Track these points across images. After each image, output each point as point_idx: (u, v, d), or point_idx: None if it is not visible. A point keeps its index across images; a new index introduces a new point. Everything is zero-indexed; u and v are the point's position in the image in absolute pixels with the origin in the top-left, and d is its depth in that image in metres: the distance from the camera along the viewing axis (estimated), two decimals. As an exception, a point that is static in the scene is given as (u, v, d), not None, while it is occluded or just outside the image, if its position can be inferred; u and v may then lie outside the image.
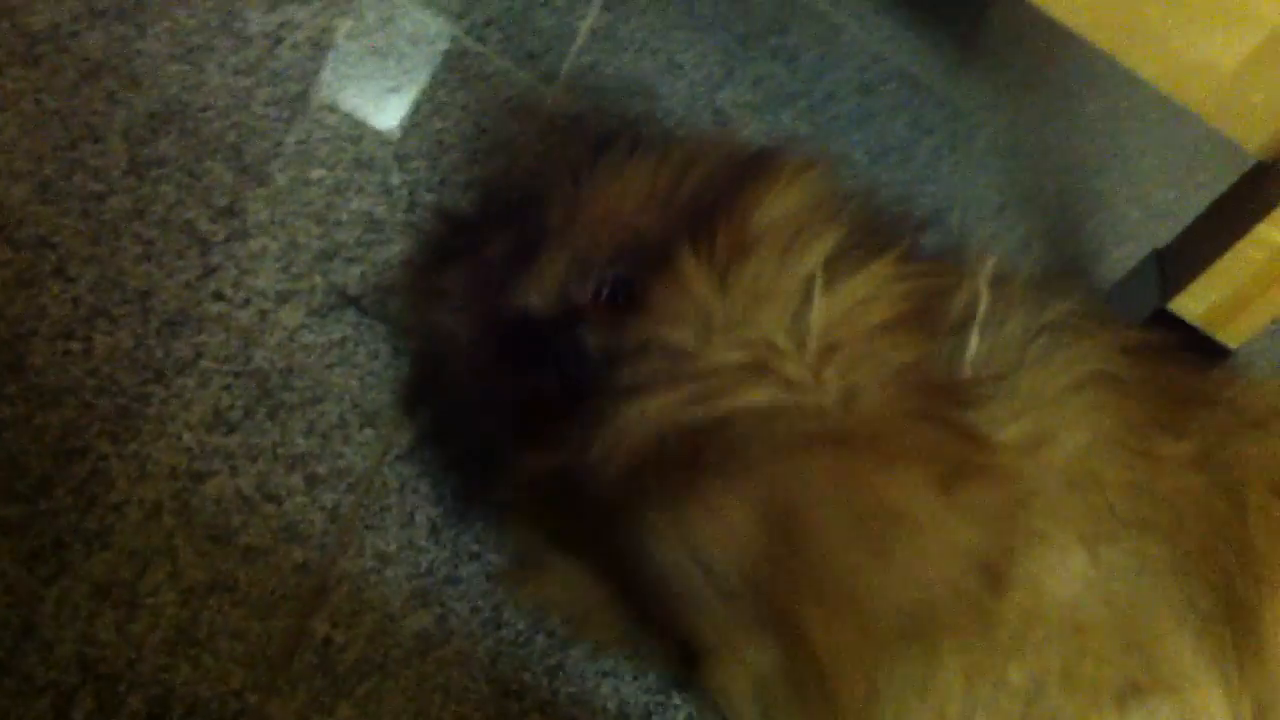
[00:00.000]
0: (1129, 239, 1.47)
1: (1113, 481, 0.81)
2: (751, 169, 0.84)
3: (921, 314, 0.82)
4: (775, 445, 0.76)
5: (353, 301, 0.89)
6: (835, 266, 0.80)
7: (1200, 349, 1.19)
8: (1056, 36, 1.63)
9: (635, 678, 0.85)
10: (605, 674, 0.84)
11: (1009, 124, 1.53)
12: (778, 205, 0.81)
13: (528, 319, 0.82)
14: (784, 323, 0.78)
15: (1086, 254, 1.45)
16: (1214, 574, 0.81)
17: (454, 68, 1.09)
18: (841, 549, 0.74)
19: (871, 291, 0.79)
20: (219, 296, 0.85)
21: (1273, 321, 1.19)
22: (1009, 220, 1.42)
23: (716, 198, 0.83)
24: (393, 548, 0.82)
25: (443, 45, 1.10)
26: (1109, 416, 0.83)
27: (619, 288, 0.81)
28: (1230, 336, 1.19)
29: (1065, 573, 0.80)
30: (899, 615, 0.75)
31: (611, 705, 0.83)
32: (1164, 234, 1.23)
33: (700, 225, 0.81)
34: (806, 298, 0.79)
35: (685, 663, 0.82)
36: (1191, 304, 1.18)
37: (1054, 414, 0.82)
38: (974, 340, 0.82)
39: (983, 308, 0.83)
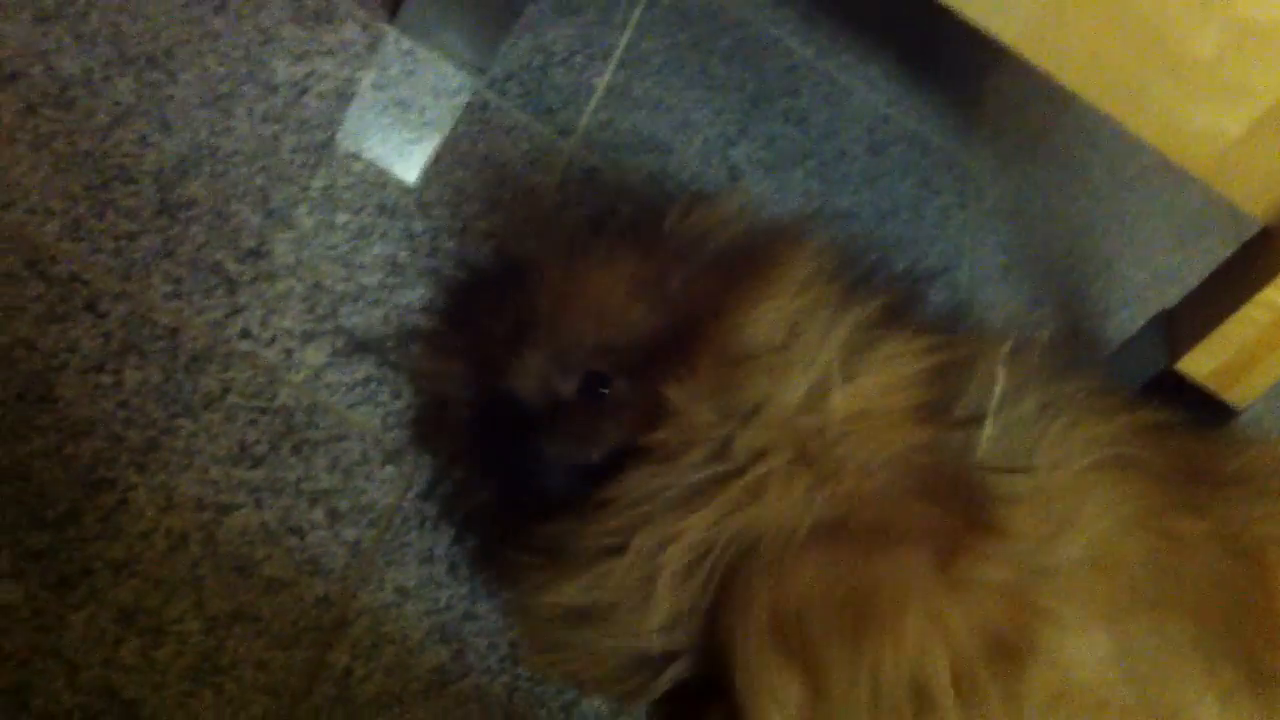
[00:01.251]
0: (1134, 301, 1.49)
1: (1134, 562, 0.83)
2: (741, 266, 0.84)
3: (938, 395, 0.83)
4: (789, 540, 0.77)
5: (370, 349, 0.90)
6: (848, 352, 0.80)
7: (1207, 409, 1.21)
8: (1061, 104, 1.66)
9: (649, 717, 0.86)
10: (618, 714, 0.85)
11: (1015, 187, 1.55)
12: (770, 312, 0.81)
13: (512, 404, 0.83)
14: (797, 418, 0.79)
15: (1092, 315, 1.47)
16: (1236, 645, 0.82)
17: (474, 120, 1.11)
18: (836, 635, 0.75)
19: (888, 378, 0.80)
20: (246, 334, 0.87)
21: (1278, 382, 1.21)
22: (1015, 281, 1.44)
23: (702, 293, 0.84)
24: (412, 583, 0.83)
25: (464, 98, 1.12)
26: (1129, 499, 0.85)
27: (598, 384, 0.82)
28: (1237, 397, 1.21)
29: (1088, 651, 0.81)
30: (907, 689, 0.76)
31: (625, 745, 0.84)
32: (1169, 297, 1.25)
33: (688, 330, 0.82)
34: (823, 391, 0.79)
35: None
36: (1199, 365, 1.19)
37: (1074, 498, 0.83)
38: (989, 424, 0.83)
39: (999, 390, 0.84)
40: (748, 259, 0.85)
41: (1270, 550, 0.84)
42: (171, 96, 0.96)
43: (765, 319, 0.80)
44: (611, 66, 1.27)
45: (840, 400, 0.78)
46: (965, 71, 1.64)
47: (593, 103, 1.22)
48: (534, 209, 1.10)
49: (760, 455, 0.77)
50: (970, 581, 0.76)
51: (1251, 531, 0.85)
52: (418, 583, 0.83)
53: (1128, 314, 1.46)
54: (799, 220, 1.17)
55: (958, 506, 0.78)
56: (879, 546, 0.76)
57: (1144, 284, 1.52)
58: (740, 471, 0.77)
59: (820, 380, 0.78)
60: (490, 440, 0.84)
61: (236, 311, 0.88)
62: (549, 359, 0.83)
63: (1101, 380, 0.98)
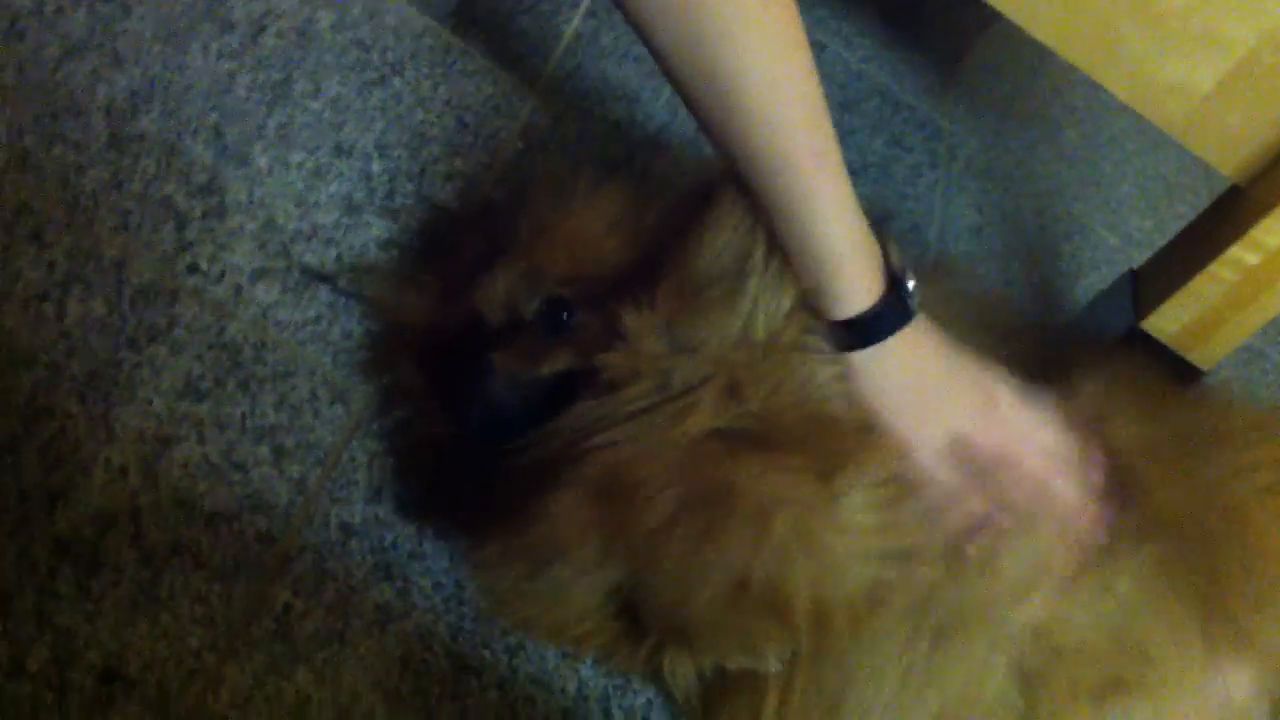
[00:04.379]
0: (1105, 263, 1.48)
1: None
2: (698, 206, 0.85)
3: None
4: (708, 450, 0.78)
5: (327, 279, 0.90)
6: (776, 285, 0.81)
7: (1173, 372, 1.20)
8: (1035, 65, 1.65)
9: (596, 661, 0.85)
10: (566, 655, 0.85)
11: (988, 147, 1.55)
12: (714, 247, 0.82)
13: (472, 327, 0.84)
14: (730, 345, 0.80)
15: (1063, 275, 1.47)
16: (1215, 604, 0.82)
17: (438, 63, 1.10)
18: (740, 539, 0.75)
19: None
20: (194, 270, 0.86)
21: (1244, 343, 1.21)
22: (986, 240, 1.44)
23: (670, 232, 0.84)
24: (357, 521, 0.82)
25: (428, 41, 1.11)
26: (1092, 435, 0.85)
27: (560, 310, 0.83)
28: (1202, 359, 1.20)
29: (1024, 565, 0.81)
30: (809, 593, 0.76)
31: (570, 687, 0.84)
32: (1140, 260, 1.24)
33: (654, 264, 0.82)
34: (752, 323, 0.80)
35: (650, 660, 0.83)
36: (1164, 323, 1.18)
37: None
38: None
39: None
40: (708, 201, 0.85)
41: (1252, 508, 0.83)
42: (125, 30, 0.95)
43: (716, 257, 0.80)
44: (580, 14, 1.26)
45: (762, 330, 0.79)
46: (941, 32, 1.63)
47: (559, 49, 1.21)
48: (500, 154, 1.09)
49: (694, 386, 0.79)
50: (848, 500, 0.76)
51: (1231, 489, 0.85)
52: (363, 521, 0.83)
53: (1098, 275, 1.45)
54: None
55: (849, 429, 0.79)
56: (763, 452, 0.77)
57: (1116, 246, 1.51)
58: (673, 399, 0.78)
59: (750, 314, 0.79)
60: (447, 360, 0.84)
61: (185, 247, 0.87)
62: (518, 279, 0.84)
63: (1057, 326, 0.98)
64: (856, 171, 1.32)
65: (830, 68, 1.45)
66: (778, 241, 0.79)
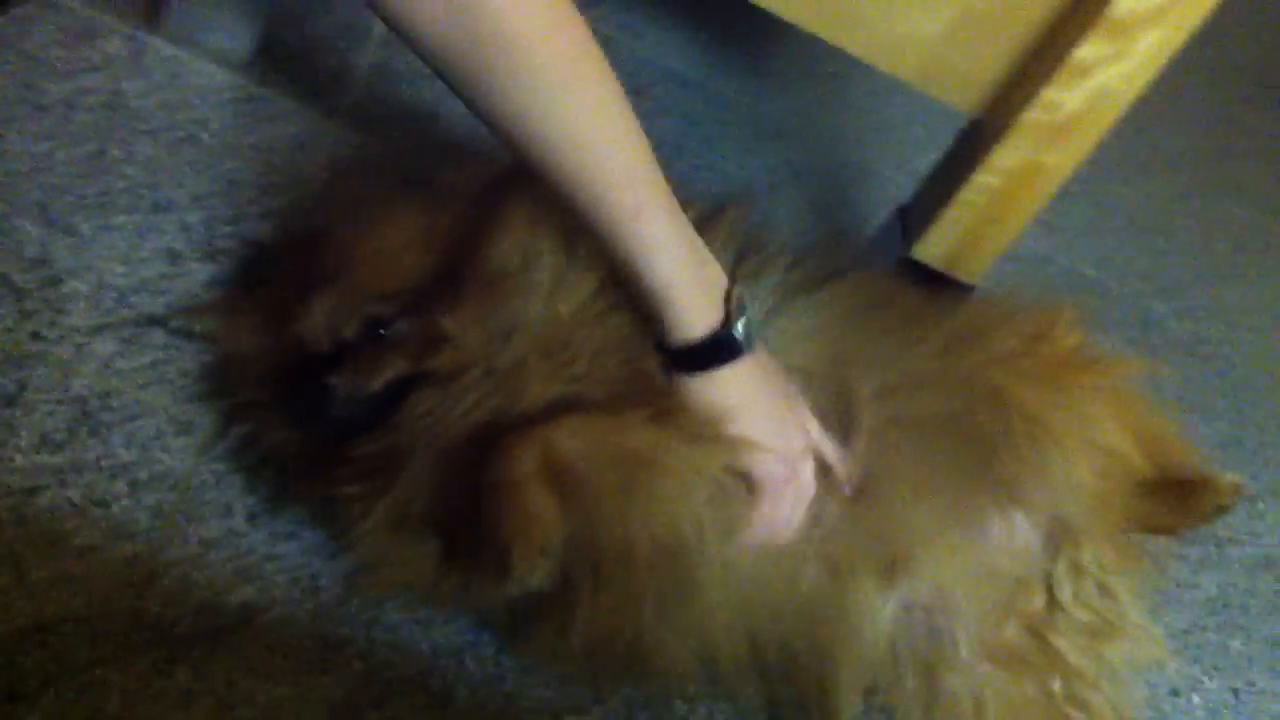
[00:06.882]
0: (893, 202, 1.61)
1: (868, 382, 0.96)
2: (488, 203, 0.95)
3: None
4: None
5: (158, 323, 1.00)
6: (565, 261, 0.93)
7: (946, 290, 1.34)
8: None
9: (447, 622, 0.97)
10: (419, 622, 0.96)
11: (777, 110, 1.68)
12: (504, 242, 0.92)
13: (302, 351, 0.94)
14: (538, 323, 0.92)
15: (856, 218, 1.60)
16: (971, 449, 0.95)
17: (242, 112, 1.21)
18: (607, 490, 0.87)
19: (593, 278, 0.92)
20: (37, 336, 0.96)
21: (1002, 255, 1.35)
22: (782, 196, 1.57)
23: (465, 234, 0.94)
24: (214, 534, 0.93)
25: (229, 94, 1.21)
26: (855, 335, 0.99)
27: (377, 327, 0.93)
28: (968, 274, 1.34)
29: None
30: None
31: (426, 647, 0.95)
32: (925, 194, 1.37)
33: (457, 265, 0.93)
34: (552, 298, 0.92)
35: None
36: (930, 250, 1.33)
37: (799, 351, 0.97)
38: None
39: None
40: (494, 199, 0.96)
41: (1010, 389, 0.96)
42: (-54, 128, 1.04)
43: (507, 247, 0.92)
44: (373, 44, 1.36)
45: (564, 307, 0.91)
46: (722, 7, 1.75)
47: (357, 81, 1.31)
48: (308, 188, 1.19)
49: (518, 364, 0.90)
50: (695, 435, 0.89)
51: (985, 377, 0.98)
52: (219, 534, 0.94)
53: (886, 213, 1.58)
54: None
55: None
56: (612, 412, 0.88)
57: (903, 185, 1.63)
58: (504, 379, 0.89)
59: (549, 294, 0.91)
60: (284, 384, 0.95)
61: (26, 316, 0.97)
62: (332, 307, 0.93)
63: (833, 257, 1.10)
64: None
65: (617, 60, 1.56)
66: (575, 232, 0.89)
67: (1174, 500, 0.97)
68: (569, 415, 0.89)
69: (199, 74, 1.21)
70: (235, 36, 1.23)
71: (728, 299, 0.89)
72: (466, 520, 0.87)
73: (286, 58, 1.28)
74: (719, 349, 0.89)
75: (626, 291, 0.90)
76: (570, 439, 0.87)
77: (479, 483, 0.87)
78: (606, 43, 1.55)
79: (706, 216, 0.94)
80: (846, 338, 1.00)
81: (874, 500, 0.94)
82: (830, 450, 0.94)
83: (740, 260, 0.96)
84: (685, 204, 0.88)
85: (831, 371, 0.97)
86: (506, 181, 0.95)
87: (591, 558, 0.87)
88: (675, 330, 0.88)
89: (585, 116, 0.82)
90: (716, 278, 0.90)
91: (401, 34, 0.79)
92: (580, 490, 0.86)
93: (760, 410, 0.91)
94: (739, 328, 0.89)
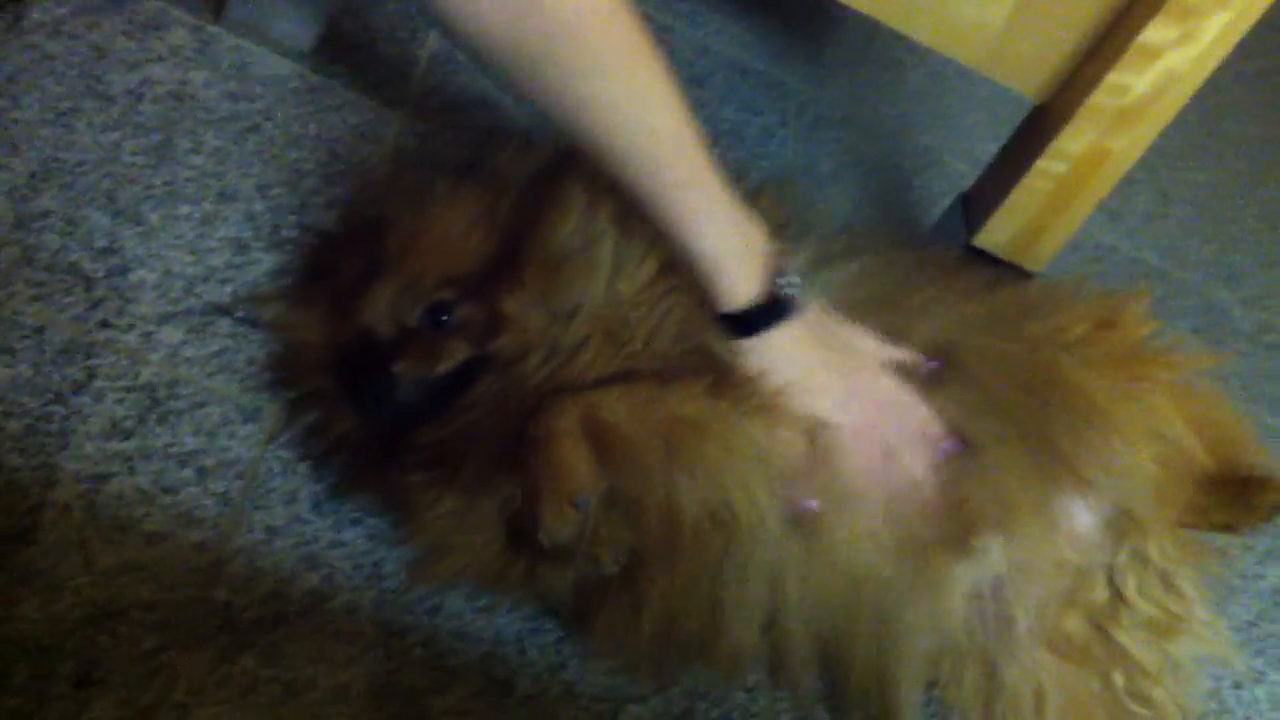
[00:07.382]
0: (956, 189, 1.60)
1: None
2: (546, 186, 0.96)
3: None
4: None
5: (225, 312, 1.01)
6: (625, 245, 0.93)
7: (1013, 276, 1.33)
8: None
9: (509, 610, 0.98)
10: (481, 610, 0.97)
11: (838, 99, 1.67)
12: (564, 224, 0.93)
13: (366, 339, 0.95)
14: (600, 304, 0.92)
15: (917, 206, 1.59)
16: (1033, 427, 0.95)
17: (305, 102, 1.21)
18: (649, 454, 0.88)
19: (653, 262, 0.93)
20: (105, 324, 0.98)
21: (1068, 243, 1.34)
22: (843, 185, 1.56)
23: (524, 218, 0.95)
24: (280, 522, 0.94)
25: (294, 84, 1.22)
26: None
27: (440, 312, 0.94)
28: (1032, 262, 1.33)
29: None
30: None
31: (487, 635, 0.96)
32: (987, 181, 1.37)
33: (517, 249, 0.94)
34: (613, 280, 0.92)
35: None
36: (993, 237, 1.32)
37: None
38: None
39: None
40: (552, 183, 0.97)
41: (1078, 377, 0.96)
42: (17, 120, 1.05)
43: (567, 229, 0.93)
44: (434, 35, 1.37)
45: (626, 287, 0.92)
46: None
47: (418, 71, 1.32)
48: (371, 176, 1.20)
49: (580, 344, 0.91)
50: (751, 407, 0.90)
51: (1050, 357, 0.97)
52: (285, 522, 0.95)
53: (950, 201, 1.57)
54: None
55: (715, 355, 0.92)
56: (665, 383, 0.90)
57: (965, 173, 1.63)
58: (567, 360, 0.91)
59: (610, 275, 0.92)
60: (349, 372, 0.96)
61: (95, 305, 0.98)
62: (396, 294, 0.94)
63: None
64: (708, 143, 1.45)
65: (679, 48, 1.57)
66: (632, 213, 0.90)
67: (1235, 496, 0.96)
68: (619, 384, 0.90)
69: (263, 64, 1.22)
70: (299, 27, 1.24)
71: (774, 263, 0.91)
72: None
73: (349, 48, 1.29)
74: (770, 310, 0.91)
75: (681, 266, 0.90)
76: (616, 401, 0.89)
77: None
78: (667, 31, 1.57)
79: (750, 193, 0.94)
80: (895, 291, 1.01)
81: (955, 472, 0.94)
82: (898, 353, 0.96)
83: (782, 231, 0.97)
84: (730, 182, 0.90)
85: (880, 316, 0.99)
86: (563, 165, 0.96)
87: (641, 525, 0.88)
88: (727, 296, 0.90)
89: (640, 98, 0.84)
90: (763, 244, 0.92)
91: (465, 40, 0.81)
92: (622, 450, 0.88)
93: (819, 367, 0.93)
94: (788, 289, 0.91)
